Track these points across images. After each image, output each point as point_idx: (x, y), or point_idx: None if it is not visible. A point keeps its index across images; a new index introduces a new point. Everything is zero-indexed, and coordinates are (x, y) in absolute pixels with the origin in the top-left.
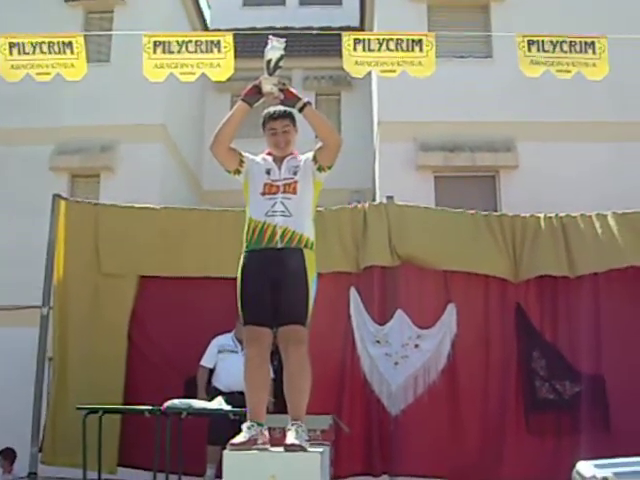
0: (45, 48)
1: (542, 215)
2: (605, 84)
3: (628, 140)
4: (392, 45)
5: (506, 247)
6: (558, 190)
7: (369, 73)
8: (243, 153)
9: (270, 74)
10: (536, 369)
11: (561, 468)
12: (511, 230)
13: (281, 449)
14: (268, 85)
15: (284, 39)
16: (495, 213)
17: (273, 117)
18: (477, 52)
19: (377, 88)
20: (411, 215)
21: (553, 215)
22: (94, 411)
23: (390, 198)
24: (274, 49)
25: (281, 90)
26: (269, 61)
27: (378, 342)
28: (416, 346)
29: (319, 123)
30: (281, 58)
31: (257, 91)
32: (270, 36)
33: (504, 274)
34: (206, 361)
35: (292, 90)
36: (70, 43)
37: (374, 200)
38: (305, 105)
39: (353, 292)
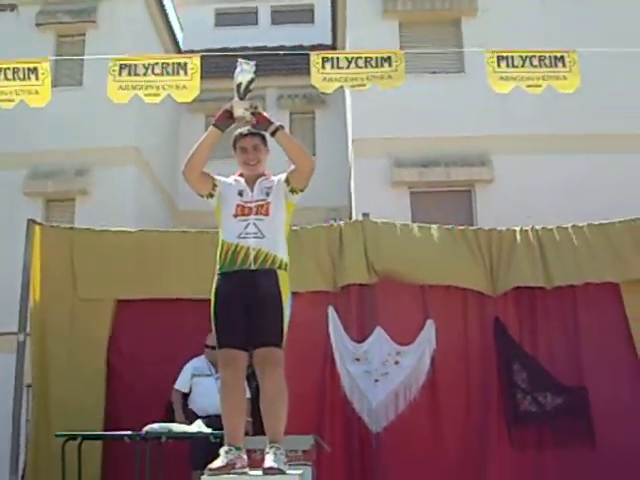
0: (10, 74)
1: (518, 228)
2: (576, 97)
3: (601, 152)
4: (361, 63)
5: (483, 261)
6: (534, 203)
7: (342, 91)
8: (215, 177)
9: (241, 98)
10: (517, 382)
11: None
12: (487, 244)
13: (260, 472)
14: (240, 109)
15: (254, 62)
16: (471, 227)
17: (243, 135)
18: (449, 67)
19: (351, 105)
20: (387, 231)
21: (529, 228)
22: (73, 437)
23: (366, 215)
24: (244, 72)
25: (253, 114)
26: (239, 85)
27: (357, 360)
28: (396, 363)
29: (292, 147)
30: (252, 81)
31: (229, 116)
32: (239, 59)
33: (482, 288)
34: (180, 385)
35: (264, 114)
36: (35, 69)
37: (351, 217)
38: (277, 129)
39: (331, 311)
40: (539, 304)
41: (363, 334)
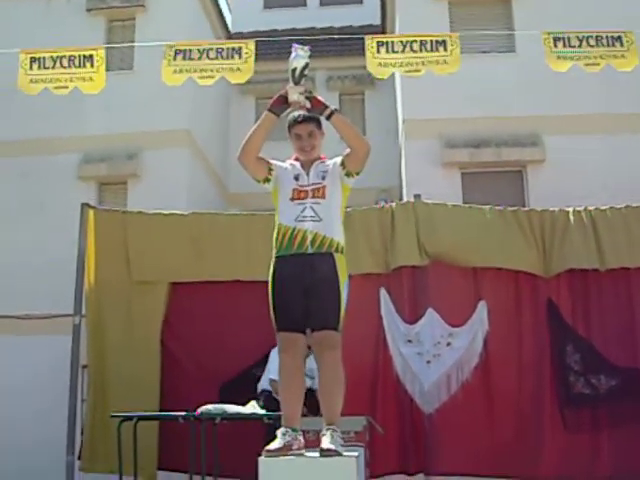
0: (65, 62)
1: (571, 209)
2: (629, 75)
3: None
4: (416, 46)
5: (535, 242)
6: (586, 183)
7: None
8: (271, 161)
9: (296, 83)
10: (570, 364)
11: (599, 463)
12: (540, 225)
13: (316, 454)
14: (294, 94)
15: (308, 47)
16: (523, 209)
17: (298, 121)
18: (500, 46)
19: (401, 86)
20: (439, 213)
21: (582, 209)
22: (129, 418)
23: (417, 196)
24: (298, 58)
25: (307, 98)
26: (294, 70)
27: (410, 341)
28: (448, 344)
29: (347, 130)
30: (306, 66)
31: (283, 101)
32: (294, 44)
33: (534, 269)
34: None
35: (319, 98)
36: (91, 56)
37: (401, 198)
38: (332, 113)
39: (383, 293)
40: (592, 286)
41: (415, 316)
